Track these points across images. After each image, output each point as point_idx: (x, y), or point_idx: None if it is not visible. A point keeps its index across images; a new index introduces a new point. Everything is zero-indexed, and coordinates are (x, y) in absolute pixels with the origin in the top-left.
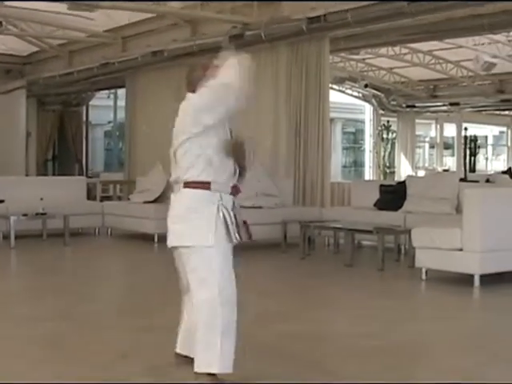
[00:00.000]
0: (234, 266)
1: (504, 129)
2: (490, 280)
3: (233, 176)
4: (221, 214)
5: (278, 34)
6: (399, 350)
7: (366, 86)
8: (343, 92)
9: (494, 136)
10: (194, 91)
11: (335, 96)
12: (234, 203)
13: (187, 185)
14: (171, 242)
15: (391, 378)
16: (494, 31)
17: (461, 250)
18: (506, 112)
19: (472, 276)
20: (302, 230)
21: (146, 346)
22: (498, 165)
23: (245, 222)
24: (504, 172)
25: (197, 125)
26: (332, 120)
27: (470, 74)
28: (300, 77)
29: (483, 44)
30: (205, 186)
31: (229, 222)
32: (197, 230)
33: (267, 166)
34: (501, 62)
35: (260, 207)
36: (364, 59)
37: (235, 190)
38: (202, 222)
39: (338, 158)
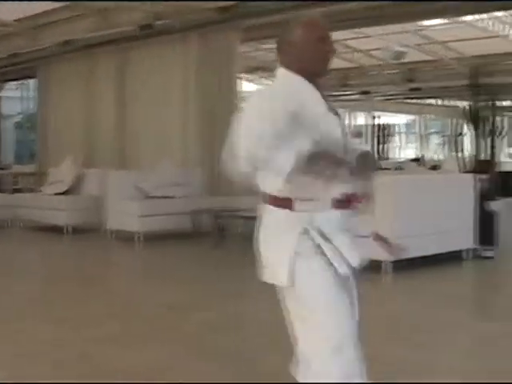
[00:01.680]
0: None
1: (414, 117)
2: (401, 266)
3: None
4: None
5: (189, 23)
6: None
7: None
8: (254, 81)
9: (405, 124)
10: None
11: (247, 85)
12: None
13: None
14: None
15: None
16: (403, 21)
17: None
18: (416, 100)
19: (384, 262)
20: (214, 219)
21: (53, 340)
22: (410, 152)
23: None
24: (414, 160)
25: None
26: None
27: (380, 62)
28: (211, 66)
29: (393, 33)
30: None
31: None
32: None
33: (178, 156)
34: (410, 51)
35: (171, 197)
36: (274, 49)
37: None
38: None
39: None
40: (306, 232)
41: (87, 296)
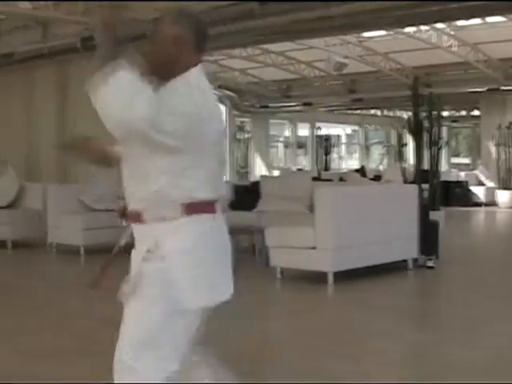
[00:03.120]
0: None
1: (356, 127)
2: (344, 276)
3: None
4: None
5: (129, 35)
6: (252, 350)
7: (219, 86)
8: None
9: (347, 135)
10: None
11: None
12: None
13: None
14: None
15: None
16: (345, 32)
17: (314, 248)
18: (358, 111)
19: (326, 273)
20: None
21: None
22: (352, 163)
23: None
24: (357, 170)
25: None
26: None
27: (323, 74)
28: None
29: (335, 44)
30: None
31: None
32: None
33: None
34: (352, 62)
35: (114, 210)
36: (217, 60)
37: None
38: None
39: None
40: None
41: (20, 310)
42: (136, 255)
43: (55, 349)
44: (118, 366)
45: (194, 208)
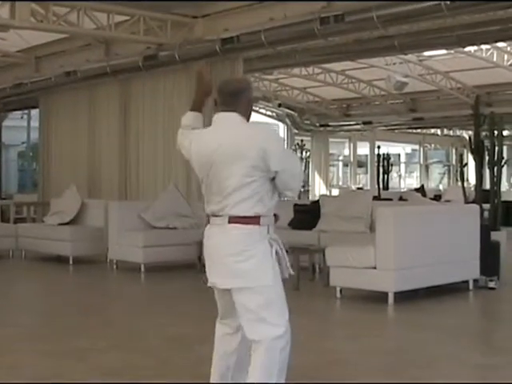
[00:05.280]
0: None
1: (416, 146)
2: (404, 297)
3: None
4: (274, 250)
5: (191, 54)
6: (313, 370)
7: (279, 105)
8: (257, 112)
9: (407, 154)
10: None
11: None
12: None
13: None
14: (230, 283)
15: None
16: (405, 51)
17: (374, 268)
18: (418, 130)
19: (386, 294)
20: None
21: (53, 375)
22: (411, 181)
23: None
24: (416, 189)
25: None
26: None
27: (383, 93)
28: (215, 96)
29: (395, 64)
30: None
31: (281, 257)
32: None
33: (181, 187)
34: (412, 81)
35: (175, 228)
36: (277, 79)
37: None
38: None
39: None
40: (270, 241)
41: (88, 328)
42: (266, 245)
43: (124, 368)
44: (283, 339)
45: None
